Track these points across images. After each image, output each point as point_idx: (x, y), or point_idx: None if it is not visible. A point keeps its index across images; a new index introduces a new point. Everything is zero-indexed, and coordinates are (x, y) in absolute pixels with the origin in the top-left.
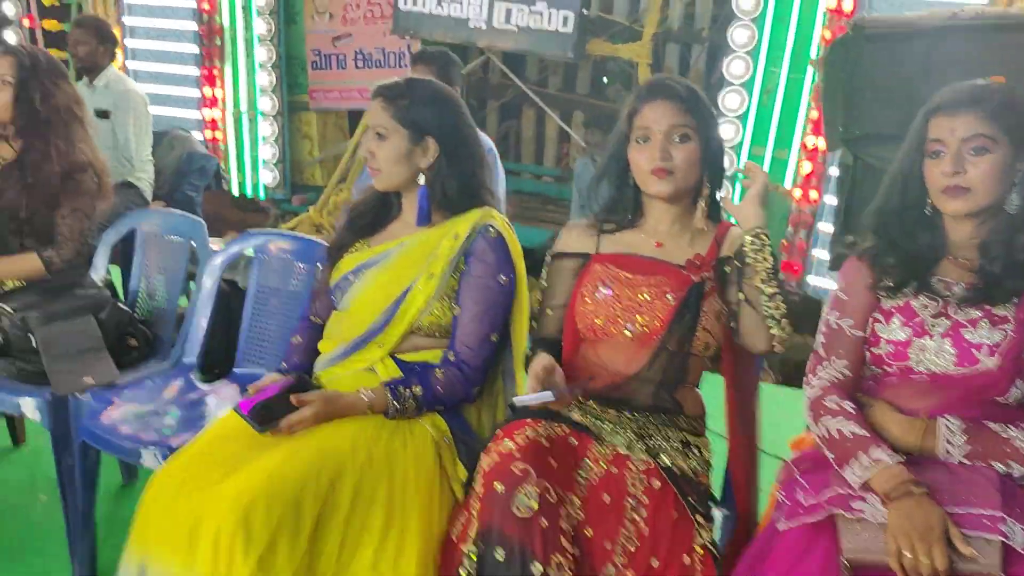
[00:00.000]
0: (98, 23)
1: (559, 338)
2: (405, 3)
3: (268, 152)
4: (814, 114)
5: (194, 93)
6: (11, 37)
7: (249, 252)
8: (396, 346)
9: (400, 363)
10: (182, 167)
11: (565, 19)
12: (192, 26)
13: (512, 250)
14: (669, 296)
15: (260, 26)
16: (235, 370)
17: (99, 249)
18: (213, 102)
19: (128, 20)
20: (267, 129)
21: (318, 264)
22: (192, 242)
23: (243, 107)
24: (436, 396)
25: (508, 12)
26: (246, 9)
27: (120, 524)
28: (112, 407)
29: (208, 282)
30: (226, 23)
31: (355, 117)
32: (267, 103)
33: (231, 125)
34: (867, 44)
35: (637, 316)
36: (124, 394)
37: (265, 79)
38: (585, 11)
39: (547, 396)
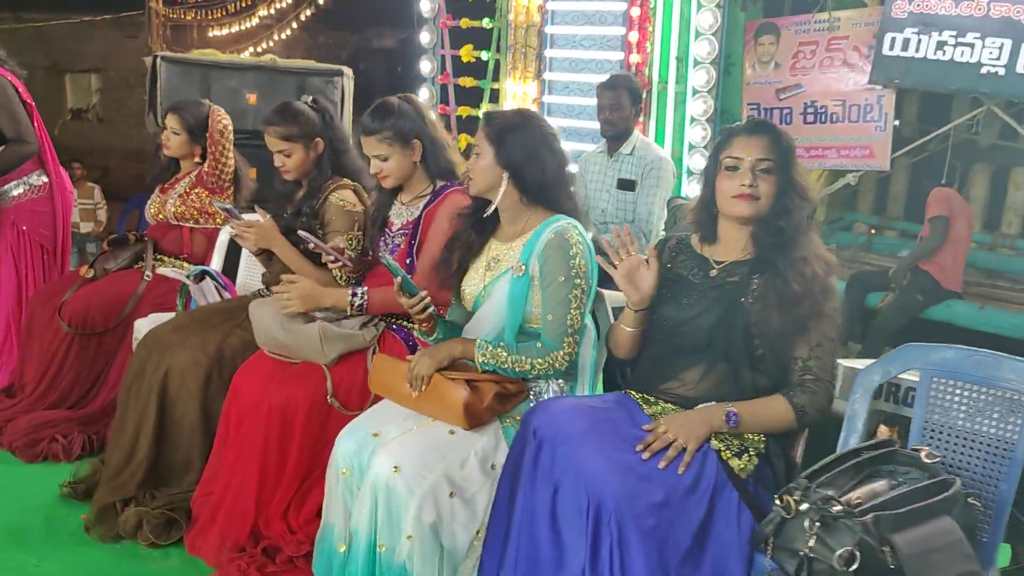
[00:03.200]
0: (632, 83)
1: None
2: (891, 47)
3: None
4: None
5: None
6: (424, 94)
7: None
8: None
9: None
10: None
11: None
12: None
13: None
14: None
15: (699, 77)
16: None
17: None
18: None
19: (548, 76)
20: (694, 189)
21: None
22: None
23: None
24: None
25: None
26: (681, 60)
27: None
28: None
29: None
30: (655, 76)
31: None
32: (698, 160)
33: None
34: None
35: None
36: None
37: (698, 134)
38: None
39: None
